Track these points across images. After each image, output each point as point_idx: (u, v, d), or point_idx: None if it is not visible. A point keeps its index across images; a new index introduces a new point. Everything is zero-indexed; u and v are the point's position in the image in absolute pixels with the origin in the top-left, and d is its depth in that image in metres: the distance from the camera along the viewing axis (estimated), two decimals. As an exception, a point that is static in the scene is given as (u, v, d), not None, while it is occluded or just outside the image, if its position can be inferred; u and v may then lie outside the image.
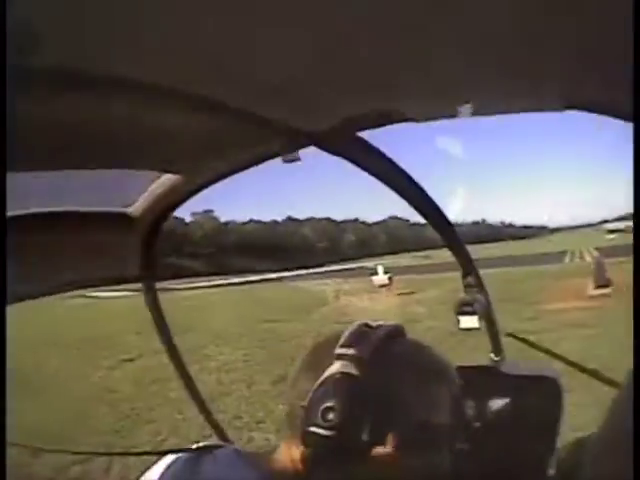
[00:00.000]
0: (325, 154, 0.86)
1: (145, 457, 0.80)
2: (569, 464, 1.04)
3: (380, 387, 0.58)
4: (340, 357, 0.59)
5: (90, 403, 5.88)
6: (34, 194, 0.89)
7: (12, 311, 0.80)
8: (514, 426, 1.16)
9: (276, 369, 6.59)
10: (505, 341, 1.36)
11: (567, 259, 23.48)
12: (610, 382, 1.58)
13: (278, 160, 0.87)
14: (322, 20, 0.48)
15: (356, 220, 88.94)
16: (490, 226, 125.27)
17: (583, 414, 1.40)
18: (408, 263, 33.36)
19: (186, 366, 1.60)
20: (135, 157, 0.86)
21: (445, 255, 1.23)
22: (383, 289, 14.48)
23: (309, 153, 0.85)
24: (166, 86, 0.57)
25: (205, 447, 0.70)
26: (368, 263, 34.53)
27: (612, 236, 41.87)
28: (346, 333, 0.62)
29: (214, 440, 1.75)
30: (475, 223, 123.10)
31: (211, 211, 67.82)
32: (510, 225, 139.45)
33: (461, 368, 0.92)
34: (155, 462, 0.69)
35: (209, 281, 30.39)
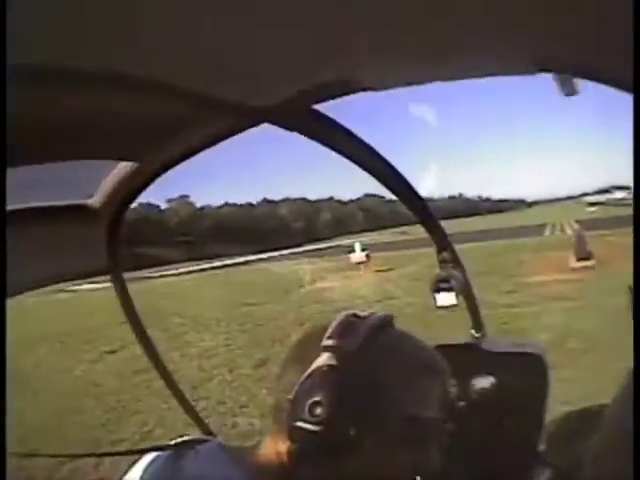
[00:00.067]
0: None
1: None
2: (559, 438, 1.07)
3: (368, 380, 0.57)
4: (327, 349, 0.58)
5: (75, 397, 5.79)
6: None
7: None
8: (500, 404, 1.15)
9: (257, 353, 6.65)
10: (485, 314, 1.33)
11: (547, 232, 23.00)
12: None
13: (253, 140, 0.83)
14: None
15: (331, 199, 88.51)
16: (467, 200, 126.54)
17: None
18: (386, 240, 33.66)
19: (160, 357, 1.59)
20: (88, 147, 0.82)
21: (422, 231, 1.21)
22: (361, 266, 14.62)
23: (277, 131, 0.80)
24: (115, 72, 0.53)
25: (188, 442, 0.68)
26: (346, 241, 34.67)
27: (593, 209, 40.99)
28: (333, 324, 0.61)
29: (199, 430, 1.75)
30: (452, 197, 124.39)
31: (187, 196, 66.04)
32: (487, 199, 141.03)
33: (441, 346, 0.92)
34: (139, 458, 0.67)
35: (186, 267, 29.89)
